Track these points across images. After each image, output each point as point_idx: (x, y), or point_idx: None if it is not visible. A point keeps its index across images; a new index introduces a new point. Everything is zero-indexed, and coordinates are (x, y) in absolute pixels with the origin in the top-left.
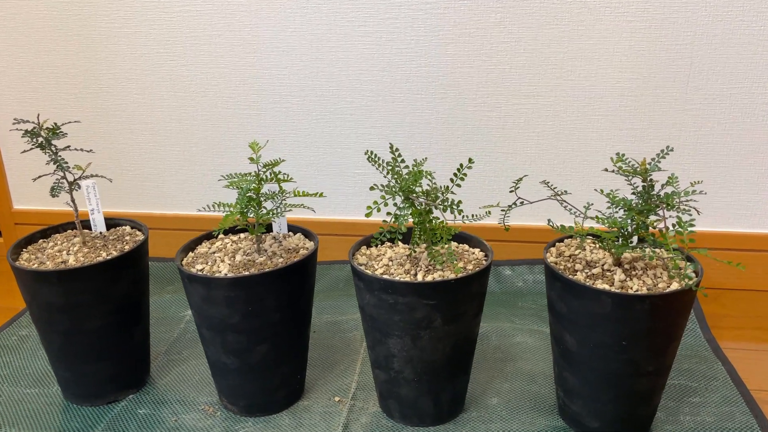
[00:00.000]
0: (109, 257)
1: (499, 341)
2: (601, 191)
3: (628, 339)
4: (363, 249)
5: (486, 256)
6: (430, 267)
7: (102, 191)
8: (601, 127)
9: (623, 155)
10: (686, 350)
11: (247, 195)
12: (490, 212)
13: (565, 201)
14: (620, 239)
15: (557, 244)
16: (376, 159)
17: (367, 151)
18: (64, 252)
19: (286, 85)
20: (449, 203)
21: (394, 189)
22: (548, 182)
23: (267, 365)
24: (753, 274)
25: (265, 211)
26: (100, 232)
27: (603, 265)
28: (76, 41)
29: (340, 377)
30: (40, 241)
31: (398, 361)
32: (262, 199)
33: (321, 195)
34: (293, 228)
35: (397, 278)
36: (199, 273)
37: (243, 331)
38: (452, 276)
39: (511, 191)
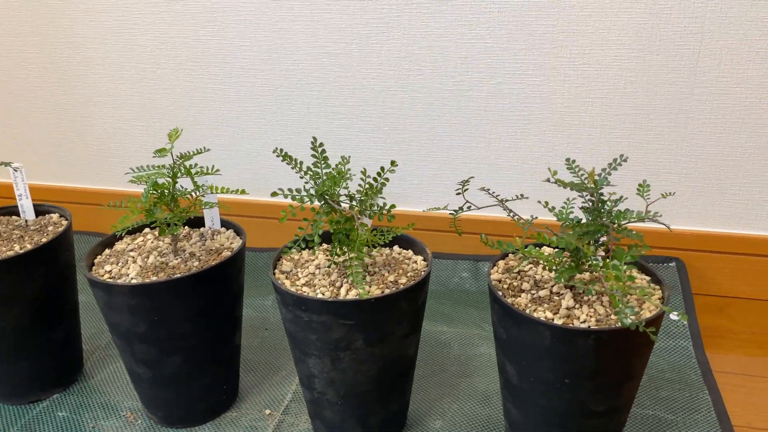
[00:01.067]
0: (21, 251)
1: (460, 351)
2: (545, 204)
3: (570, 377)
4: (293, 252)
5: (427, 265)
6: None
7: (66, 166)
8: (594, 112)
9: (573, 161)
10: (671, 372)
11: (150, 192)
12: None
13: (510, 209)
14: (572, 261)
15: (511, 255)
16: (289, 157)
17: (276, 149)
18: None
19: (249, 58)
20: (377, 209)
21: (309, 193)
22: (488, 189)
23: (182, 377)
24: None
25: (179, 209)
26: (26, 221)
27: (553, 286)
28: (33, 7)
29: (278, 386)
30: None
31: (319, 382)
32: (177, 195)
33: (243, 192)
34: (226, 224)
35: (310, 294)
36: (98, 278)
37: (151, 342)
38: (378, 292)
39: (458, 193)
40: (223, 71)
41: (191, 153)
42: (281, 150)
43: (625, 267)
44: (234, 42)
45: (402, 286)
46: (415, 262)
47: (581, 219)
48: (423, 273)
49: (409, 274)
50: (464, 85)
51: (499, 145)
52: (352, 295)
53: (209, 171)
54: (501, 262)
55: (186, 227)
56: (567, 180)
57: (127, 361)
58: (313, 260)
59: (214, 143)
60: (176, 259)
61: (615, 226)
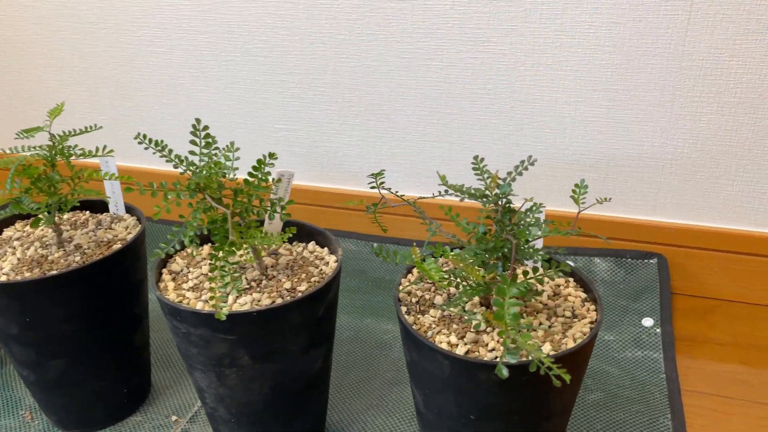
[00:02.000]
0: None
1: (401, 354)
2: (448, 210)
3: (476, 413)
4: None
5: (336, 269)
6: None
7: (7, 134)
8: (569, 86)
9: (481, 159)
10: (633, 389)
11: (13, 179)
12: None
13: (420, 211)
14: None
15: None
16: (154, 144)
17: (138, 134)
18: None
19: (190, 18)
20: (265, 207)
21: (185, 186)
22: (392, 189)
23: (70, 381)
24: (762, 283)
25: (57, 198)
26: None
27: (468, 301)
28: None
29: (192, 389)
30: None
31: (209, 397)
32: (56, 180)
33: (129, 178)
34: (130, 209)
35: (184, 303)
36: None
37: (29, 344)
38: (266, 303)
39: (372, 187)
40: (164, 32)
41: (70, 132)
42: (144, 136)
43: (512, 301)
44: (173, 1)
45: (299, 295)
46: (327, 263)
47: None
48: (327, 278)
49: (313, 279)
50: (422, 53)
51: (460, 121)
52: (240, 304)
53: (99, 153)
54: (415, 269)
55: (87, 212)
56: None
57: (12, 362)
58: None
59: (161, 112)
60: (58, 252)
61: (519, 242)
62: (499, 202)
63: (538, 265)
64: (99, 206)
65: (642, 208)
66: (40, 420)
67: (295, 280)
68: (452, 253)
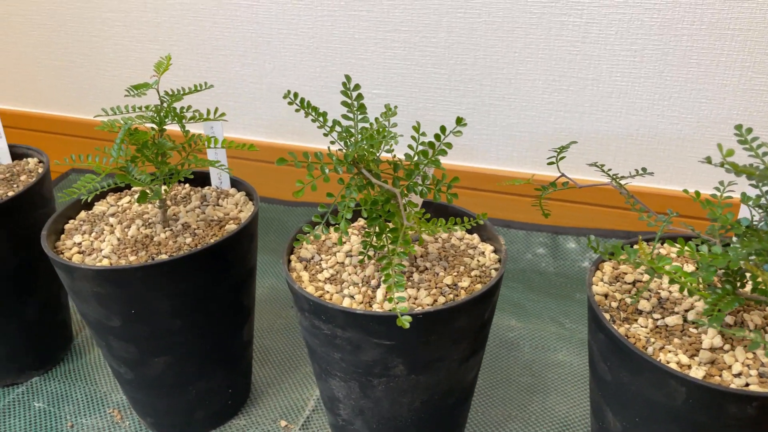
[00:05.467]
0: None
1: (533, 356)
2: (696, 195)
3: None
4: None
5: (499, 260)
6: None
7: (73, 96)
8: (735, 48)
9: (749, 131)
10: None
11: (122, 144)
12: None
13: (629, 194)
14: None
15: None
16: (308, 107)
17: (288, 92)
18: None
19: None
20: (428, 185)
21: (336, 159)
22: (601, 165)
23: (173, 381)
24: None
25: (167, 168)
26: None
27: (689, 310)
28: None
29: (300, 387)
30: None
31: (345, 409)
32: (165, 148)
33: (252, 147)
34: (237, 183)
35: (334, 300)
36: (56, 257)
37: (130, 339)
38: (428, 302)
39: (550, 163)
40: None
41: (183, 91)
42: (295, 94)
43: None
44: None
45: (464, 294)
46: (482, 253)
47: (756, 221)
48: (494, 274)
49: (473, 273)
50: (557, 7)
51: (594, 88)
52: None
53: (210, 116)
54: (606, 265)
55: (187, 185)
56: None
57: (106, 356)
58: (347, 243)
59: (242, 74)
60: (165, 232)
61: None
62: None
63: None
64: (196, 179)
65: None
66: (131, 420)
67: (455, 274)
68: (706, 251)
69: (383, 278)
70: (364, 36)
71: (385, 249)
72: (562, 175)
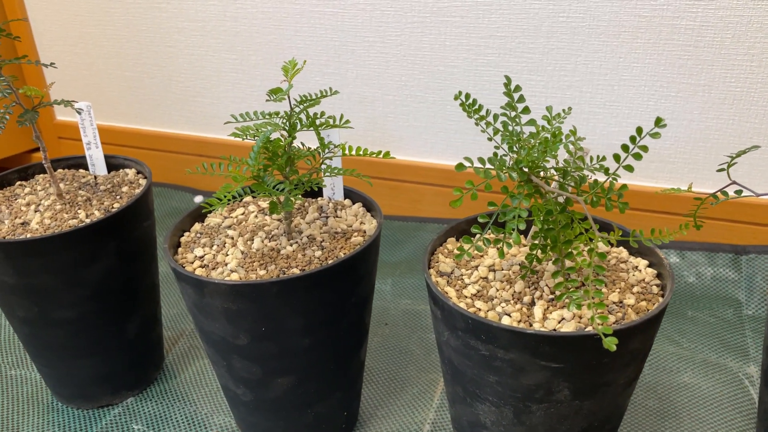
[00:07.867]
0: (89, 220)
1: (655, 378)
2: None
3: None
4: (450, 243)
5: (661, 281)
6: (556, 295)
7: (145, 107)
8: None
9: None
10: None
11: (263, 148)
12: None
13: None
14: None
15: None
16: (473, 107)
17: (459, 93)
18: (33, 207)
19: None
20: (604, 192)
21: (502, 164)
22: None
23: (293, 403)
24: None
25: (296, 177)
26: (95, 177)
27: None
28: None
29: (409, 410)
30: (17, 184)
31: None
32: (295, 156)
33: (387, 155)
34: (351, 194)
35: (492, 317)
36: (188, 272)
37: (255, 358)
38: (599, 323)
39: (720, 170)
40: None
41: (313, 96)
42: (467, 96)
43: None
44: None
45: (631, 312)
46: (637, 267)
47: None
48: (655, 290)
49: (635, 290)
50: (669, 9)
51: (706, 95)
52: (557, 320)
53: (337, 123)
54: None
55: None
56: None
57: (221, 377)
58: (485, 257)
59: (322, 84)
60: (291, 245)
61: None
62: None
63: None
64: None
65: None
66: None
67: (617, 290)
68: None
69: (570, 302)
70: (456, 43)
71: (547, 263)
72: (733, 182)
